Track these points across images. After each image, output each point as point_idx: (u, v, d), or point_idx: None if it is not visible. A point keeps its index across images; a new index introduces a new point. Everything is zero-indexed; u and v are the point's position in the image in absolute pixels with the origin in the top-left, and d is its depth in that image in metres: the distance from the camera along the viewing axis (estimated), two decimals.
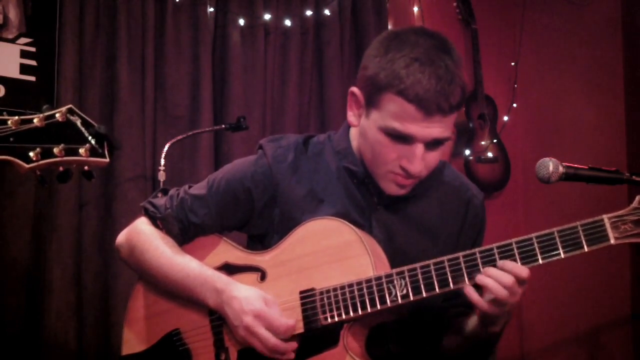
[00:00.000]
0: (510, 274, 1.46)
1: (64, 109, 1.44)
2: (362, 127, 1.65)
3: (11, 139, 1.38)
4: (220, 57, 3.68)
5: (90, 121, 1.47)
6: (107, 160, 1.47)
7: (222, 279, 1.68)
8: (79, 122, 1.44)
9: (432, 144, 1.59)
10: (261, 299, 1.61)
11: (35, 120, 1.40)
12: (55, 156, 1.41)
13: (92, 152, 1.44)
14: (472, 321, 1.65)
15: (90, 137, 1.45)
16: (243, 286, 1.65)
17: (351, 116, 1.68)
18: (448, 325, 1.75)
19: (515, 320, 4.15)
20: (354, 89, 1.65)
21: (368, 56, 1.63)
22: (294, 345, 1.60)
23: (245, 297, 1.61)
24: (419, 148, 1.57)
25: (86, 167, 1.48)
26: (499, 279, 1.47)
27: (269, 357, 1.60)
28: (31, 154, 1.39)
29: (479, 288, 1.51)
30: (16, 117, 1.39)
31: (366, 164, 1.69)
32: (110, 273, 3.27)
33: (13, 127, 1.38)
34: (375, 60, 1.58)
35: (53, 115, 1.42)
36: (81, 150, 1.43)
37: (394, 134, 1.56)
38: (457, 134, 4.15)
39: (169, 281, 1.73)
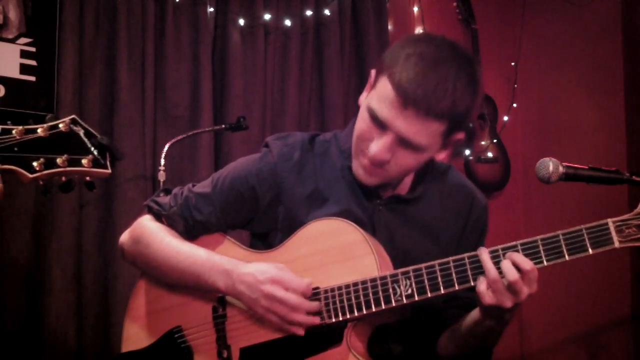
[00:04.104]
0: (514, 268, 1.46)
1: (67, 119, 1.45)
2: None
3: (15, 149, 1.40)
4: (220, 57, 3.68)
5: (93, 132, 1.48)
6: (109, 171, 1.49)
7: (230, 261, 1.67)
8: (82, 133, 1.46)
9: (405, 143, 1.57)
10: (272, 266, 1.61)
11: (39, 131, 1.42)
12: (59, 166, 1.42)
13: (95, 163, 1.46)
14: (471, 317, 1.64)
15: (92, 148, 1.47)
16: (250, 263, 1.66)
17: (361, 97, 1.68)
18: (445, 327, 1.75)
19: (515, 320, 4.15)
20: (372, 71, 1.65)
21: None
22: (318, 304, 1.58)
23: (256, 269, 1.62)
24: (388, 136, 1.56)
25: (88, 178, 1.49)
26: (505, 271, 1.46)
27: (293, 322, 1.57)
28: (35, 163, 1.41)
29: None
30: (20, 127, 1.41)
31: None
32: (110, 273, 3.27)
33: (17, 137, 1.40)
34: (394, 46, 1.60)
35: (57, 126, 1.44)
36: (84, 161, 1.45)
37: (372, 114, 1.58)
38: None
39: (177, 271, 1.73)
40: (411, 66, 1.51)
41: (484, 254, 1.50)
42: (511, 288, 1.47)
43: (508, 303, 1.48)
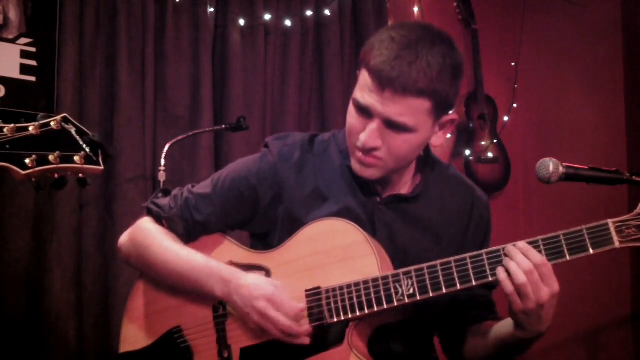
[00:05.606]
0: (529, 260, 1.47)
1: (58, 117, 1.47)
2: None
3: (7, 146, 1.41)
4: (220, 57, 3.68)
5: (85, 129, 1.50)
6: (102, 167, 1.51)
7: (228, 269, 1.68)
8: (73, 130, 1.48)
9: (392, 126, 1.58)
10: (270, 284, 1.62)
11: (30, 128, 1.44)
12: (51, 163, 1.44)
13: (87, 159, 1.48)
14: (500, 325, 1.65)
15: (84, 145, 1.48)
16: (249, 274, 1.66)
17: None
18: (467, 328, 1.76)
19: None
20: (357, 71, 1.67)
21: None
22: (308, 328, 1.59)
23: (253, 283, 1.62)
24: (374, 122, 1.58)
25: (80, 175, 1.51)
26: (520, 263, 1.47)
27: (284, 340, 1.59)
28: (27, 160, 1.42)
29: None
30: (12, 125, 1.42)
31: None
32: (110, 273, 3.27)
33: (9, 135, 1.41)
34: (369, 38, 1.62)
35: (48, 124, 1.45)
36: (76, 158, 1.47)
37: (355, 104, 1.60)
38: (457, 134, 4.16)
39: (175, 275, 1.73)
40: (384, 50, 1.54)
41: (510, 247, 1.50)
42: (529, 278, 1.47)
43: (530, 304, 1.50)
